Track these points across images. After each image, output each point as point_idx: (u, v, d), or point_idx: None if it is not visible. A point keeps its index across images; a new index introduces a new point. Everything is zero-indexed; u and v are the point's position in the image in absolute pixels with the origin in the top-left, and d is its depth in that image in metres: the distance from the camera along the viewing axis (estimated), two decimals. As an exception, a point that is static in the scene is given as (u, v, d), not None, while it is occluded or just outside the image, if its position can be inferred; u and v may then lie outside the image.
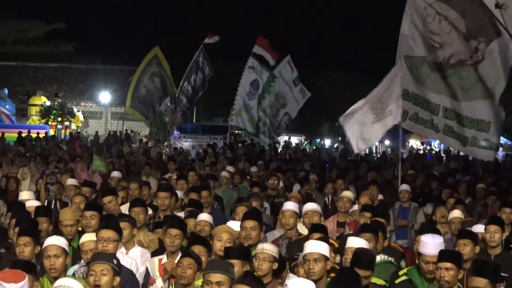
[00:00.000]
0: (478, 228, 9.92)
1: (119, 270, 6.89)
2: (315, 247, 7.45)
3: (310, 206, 10.64)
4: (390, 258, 8.83)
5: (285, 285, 6.54)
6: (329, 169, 23.42)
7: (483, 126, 12.99)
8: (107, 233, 8.10)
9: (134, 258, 8.72)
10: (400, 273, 8.58)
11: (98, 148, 30.50)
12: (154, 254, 9.04)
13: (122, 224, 8.91)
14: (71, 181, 13.73)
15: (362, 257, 7.50)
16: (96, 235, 8.23)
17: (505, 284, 7.21)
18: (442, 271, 7.31)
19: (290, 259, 8.68)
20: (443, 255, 7.47)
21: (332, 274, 7.51)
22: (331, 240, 9.48)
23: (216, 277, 6.39)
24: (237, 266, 7.03)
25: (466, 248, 8.54)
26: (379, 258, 8.33)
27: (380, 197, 13.92)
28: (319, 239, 7.96)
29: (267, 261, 7.53)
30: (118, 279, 6.72)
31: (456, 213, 11.11)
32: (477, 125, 12.94)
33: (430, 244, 7.90)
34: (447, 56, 12.49)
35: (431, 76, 12.84)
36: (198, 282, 7.35)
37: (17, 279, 5.87)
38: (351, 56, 50.16)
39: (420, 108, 13.19)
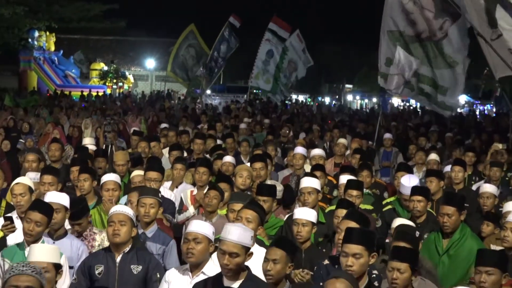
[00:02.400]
0: (446, 168, 9.96)
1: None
2: (309, 182, 7.45)
3: (317, 151, 10.72)
4: (368, 191, 8.86)
5: (294, 212, 6.57)
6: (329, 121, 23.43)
7: (442, 90, 12.89)
8: (153, 175, 8.18)
9: (181, 192, 8.78)
10: (385, 202, 8.63)
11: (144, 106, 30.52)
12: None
13: (180, 166, 9.04)
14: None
15: (352, 181, 7.85)
16: (144, 175, 8.27)
17: (465, 212, 7.23)
18: (415, 203, 7.37)
19: (298, 193, 8.69)
20: (415, 190, 7.52)
21: (320, 203, 7.59)
22: (329, 177, 9.57)
23: (238, 206, 6.41)
24: (269, 202, 7.15)
25: (432, 184, 8.56)
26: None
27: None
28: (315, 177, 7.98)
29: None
30: (161, 209, 6.77)
31: (433, 156, 11.12)
32: (439, 88, 12.84)
33: (407, 187, 7.91)
34: (419, 32, 12.35)
35: (408, 47, 12.72)
36: (221, 212, 7.40)
37: None
38: (342, 30, 49.51)
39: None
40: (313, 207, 7.04)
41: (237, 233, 4.93)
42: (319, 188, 7.49)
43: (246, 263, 5.01)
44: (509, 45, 10.42)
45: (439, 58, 12.48)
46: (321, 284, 5.38)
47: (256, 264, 5.20)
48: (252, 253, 5.02)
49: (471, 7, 10.70)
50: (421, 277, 5.58)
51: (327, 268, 5.59)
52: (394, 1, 12.61)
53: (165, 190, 8.54)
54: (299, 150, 10.47)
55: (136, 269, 5.57)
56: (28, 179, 7.37)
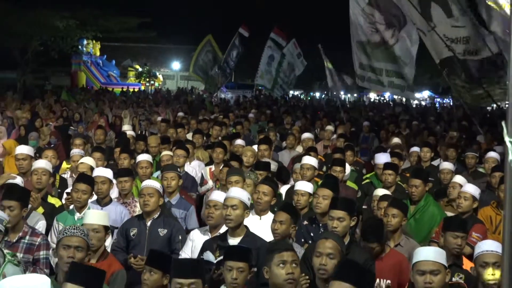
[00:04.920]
0: (415, 149, 9.94)
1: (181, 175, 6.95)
2: (309, 160, 7.43)
3: (307, 135, 10.73)
4: (352, 168, 8.84)
5: (295, 185, 6.57)
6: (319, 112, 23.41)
7: (404, 77, 12.78)
8: (180, 152, 8.18)
9: (194, 167, 8.76)
10: (364, 177, 8.64)
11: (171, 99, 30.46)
12: (207, 164, 9.10)
13: (188, 146, 8.99)
14: (158, 118, 14.41)
15: (336, 159, 7.91)
16: (173, 153, 8.27)
17: (431, 185, 7.23)
18: (386, 176, 7.41)
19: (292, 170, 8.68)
20: (387, 166, 7.55)
21: (316, 179, 7.57)
22: (319, 156, 9.56)
23: (235, 178, 6.49)
24: (264, 175, 7.10)
25: (394, 162, 8.53)
26: (348, 168, 8.33)
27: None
28: (311, 156, 7.97)
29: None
30: (181, 181, 6.76)
31: (395, 140, 11.17)
32: (401, 76, 12.71)
33: (380, 158, 8.15)
34: (378, 39, 12.23)
35: (374, 51, 12.61)
36: None
37: None
38: (330, 37, 48.82)
39: (370, 72, 13.02)
40: (309, 180, 7.05)
41: (236, 191, 5.07)
42: (316, 166, 7.48)
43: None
44: (443, 33, 10.33)
45: (395, 59, 12.34)
46: (302, 240, 5.45)
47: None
48: (249, 212, 5.07)
49: (410, 6, 10.63)
50: (406, 236, 5.59)
51: (306, 227, 5.65)
52: (355, 18, 12.52)
53: (189, 168, 8.54)
54: (307, 135, 10.69)
55: (163, 232, 5.59)
56: (92, 159, 7.51)
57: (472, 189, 6.45)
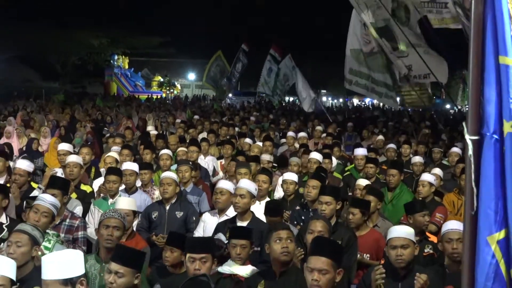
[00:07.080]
0: (391, 145, 9.89)
1: (198, 167, 6.95)
2: (315, 155, 7.44)
3: (302, 134, 10.77)
4: (339, 161, 8.82)
5: (283, 175, 6.55)
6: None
7: (393, 88, 12.60)
8: (194, 148, 8.15)
9: (208, 161, 8.77)
10: (346, 169, 8.61)
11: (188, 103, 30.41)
12: (218, 159, 9.10)
13: (204, 144, 9.00)
14: (178, 120, 14.41)
15: (325, 154, 7.82)
16: (187, 148, 8.26)
17: (404, 175, 7.24)
18: (368, 168, 7.35)
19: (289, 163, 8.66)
20: (369, 160, 7.54)
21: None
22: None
23: (244, 170, 6.47)
24: (253, 167, 7.05)
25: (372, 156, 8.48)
26: (335, 162, 8.30)
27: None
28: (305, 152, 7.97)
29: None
30: (194, 173, 6.75)
31: (380, 137, 11.14)
32: (385, 85, 12.54)
33: (358, 151, 8.17)
34: (372, 47, 12.10)
35: (365, 60, 12.49)
36: None
37: None
38: (319, 51, 48.33)
39: (358, 78, 12.89)
40: (297, 173, 7.00)
41: (246, 183, 5.08)
42: (320, 160, 7.44)
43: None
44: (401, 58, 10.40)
45: (384, 66, 12.21)
46: (295, 222, 5.45)
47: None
48: (255, 200, 5.07)
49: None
50: (383, 218, 5.59)
51: (298, 212, 5.65)
52: (356, 22, 12.33)
53: (202, 161, 8.55)
54: (291, 134, 10.56)
55: (179, 214, 5.60)
56: (116, 153, 7.58)
57: (428, 177, 6.51)
